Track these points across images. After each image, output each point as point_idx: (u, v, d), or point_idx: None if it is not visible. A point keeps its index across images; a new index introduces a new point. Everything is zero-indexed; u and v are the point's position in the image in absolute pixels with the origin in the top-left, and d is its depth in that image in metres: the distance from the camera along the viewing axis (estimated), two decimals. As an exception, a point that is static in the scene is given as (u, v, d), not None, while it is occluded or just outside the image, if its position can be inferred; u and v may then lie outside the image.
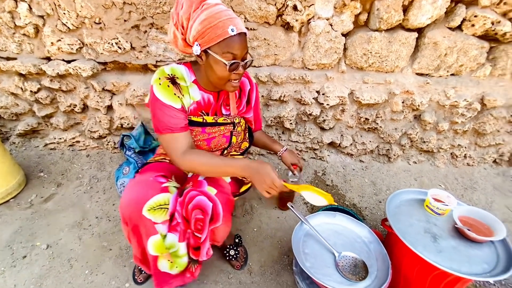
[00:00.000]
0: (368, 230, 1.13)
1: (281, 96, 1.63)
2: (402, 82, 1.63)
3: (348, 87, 1.65)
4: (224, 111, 1.11)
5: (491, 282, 1.28)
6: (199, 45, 0.88)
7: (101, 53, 1.53)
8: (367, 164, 1.87)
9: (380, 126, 1.74)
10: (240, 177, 1.15)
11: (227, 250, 1.26)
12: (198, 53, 0.91)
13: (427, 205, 1.14)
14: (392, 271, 1.07)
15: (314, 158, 1.88)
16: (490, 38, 1.56)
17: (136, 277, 1.19)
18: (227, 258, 1.26)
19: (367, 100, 1.63)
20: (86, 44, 1.52)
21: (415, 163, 1.88)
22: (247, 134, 1.29)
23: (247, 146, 1.30)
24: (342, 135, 1.80)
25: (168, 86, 0.95)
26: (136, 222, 0.93)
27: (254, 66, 1.60)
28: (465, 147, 1.84)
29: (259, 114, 1.30)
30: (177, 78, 0.98)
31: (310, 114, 1.69)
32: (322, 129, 1.78)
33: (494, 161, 1.92)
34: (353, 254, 1.05)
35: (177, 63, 1.02)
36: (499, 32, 1.49)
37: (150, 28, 1.48)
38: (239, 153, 1.28)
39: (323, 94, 1.64)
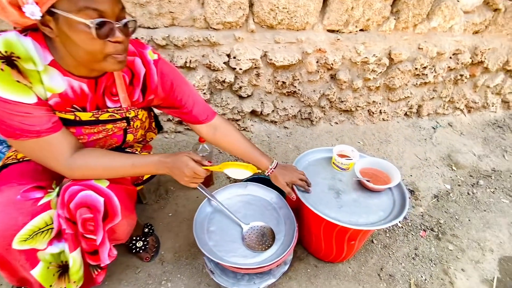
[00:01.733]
0: (277, 195, 1.07)
1: (186, 62, 1.44)
2: (314, 40, 1.57)
3: (260, 48, 1.52)
4: (110, 104, 0.79)
5: (398, 224, 1.38)
6: (36, 3, 0.55)
7: None
8: (291, 130, 1.83)
9: (299, 89, 1.68)
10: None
11: (133, 242, 1.11)
12: (39, 18, 0.57)
13: (333, 162, 1.12)
14: (304, 232, 1.04)
15: (238, 129, 1.77)
16: (392, -10, 1.56)
17: (12, 296, 0.97)
18: (134, 251, 1.11)
19: (281, 61, 1.53)
20: None
21: (337, 123, 1.91)
22: (153, 123, 1.08)
23: (152, 138, 1.11)
24: (262, 102, 1.70)
25: (2, 69, 0.61)
26: (4, 257, 0.71)
27: (149, 28, 1.36)
28: (380, 103, 1.91)
29: (191, 95, 0.91)
30: (18, 58, 0.63)
31: (224, 81, 1.54)
32: (240, 97, 1.66)
33: (405, 114, 2.06)
34: (261, 223, 0.98)
35: (22, 34, 0.65)
36: (399, -17, 1.49)
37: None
38: (142, 144, 1.07)
39: (234, 57, 1.49)
